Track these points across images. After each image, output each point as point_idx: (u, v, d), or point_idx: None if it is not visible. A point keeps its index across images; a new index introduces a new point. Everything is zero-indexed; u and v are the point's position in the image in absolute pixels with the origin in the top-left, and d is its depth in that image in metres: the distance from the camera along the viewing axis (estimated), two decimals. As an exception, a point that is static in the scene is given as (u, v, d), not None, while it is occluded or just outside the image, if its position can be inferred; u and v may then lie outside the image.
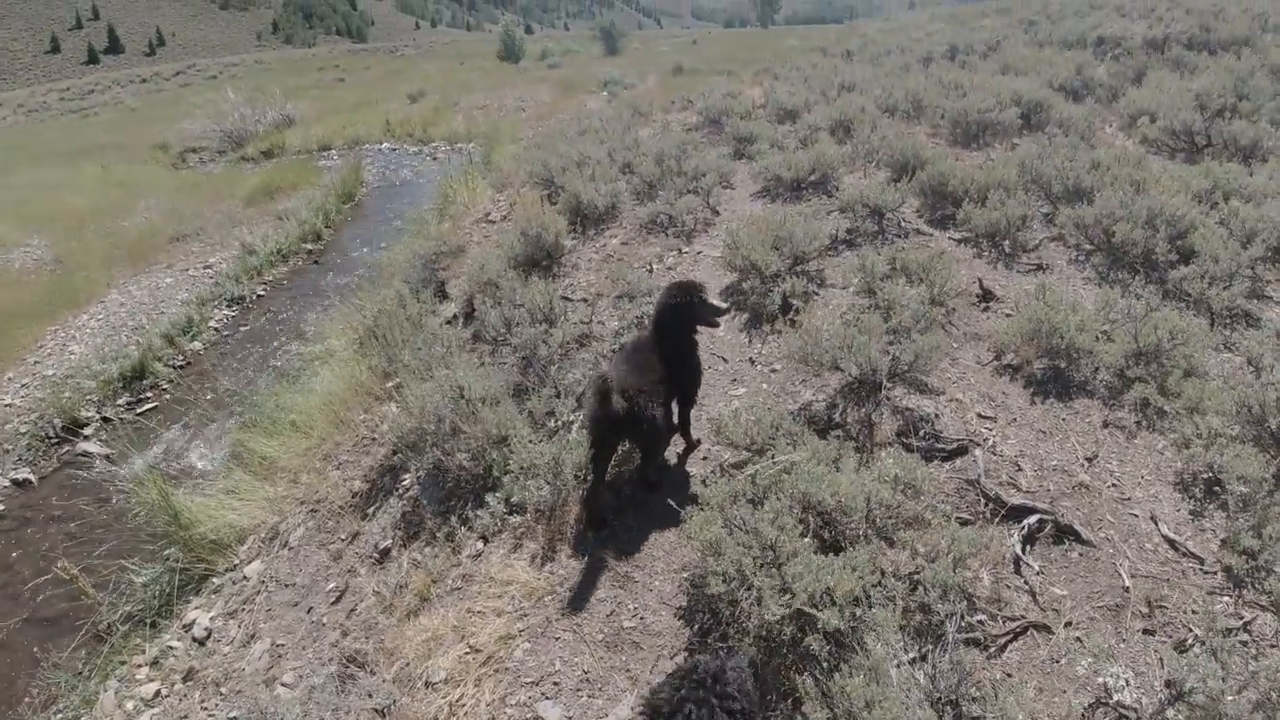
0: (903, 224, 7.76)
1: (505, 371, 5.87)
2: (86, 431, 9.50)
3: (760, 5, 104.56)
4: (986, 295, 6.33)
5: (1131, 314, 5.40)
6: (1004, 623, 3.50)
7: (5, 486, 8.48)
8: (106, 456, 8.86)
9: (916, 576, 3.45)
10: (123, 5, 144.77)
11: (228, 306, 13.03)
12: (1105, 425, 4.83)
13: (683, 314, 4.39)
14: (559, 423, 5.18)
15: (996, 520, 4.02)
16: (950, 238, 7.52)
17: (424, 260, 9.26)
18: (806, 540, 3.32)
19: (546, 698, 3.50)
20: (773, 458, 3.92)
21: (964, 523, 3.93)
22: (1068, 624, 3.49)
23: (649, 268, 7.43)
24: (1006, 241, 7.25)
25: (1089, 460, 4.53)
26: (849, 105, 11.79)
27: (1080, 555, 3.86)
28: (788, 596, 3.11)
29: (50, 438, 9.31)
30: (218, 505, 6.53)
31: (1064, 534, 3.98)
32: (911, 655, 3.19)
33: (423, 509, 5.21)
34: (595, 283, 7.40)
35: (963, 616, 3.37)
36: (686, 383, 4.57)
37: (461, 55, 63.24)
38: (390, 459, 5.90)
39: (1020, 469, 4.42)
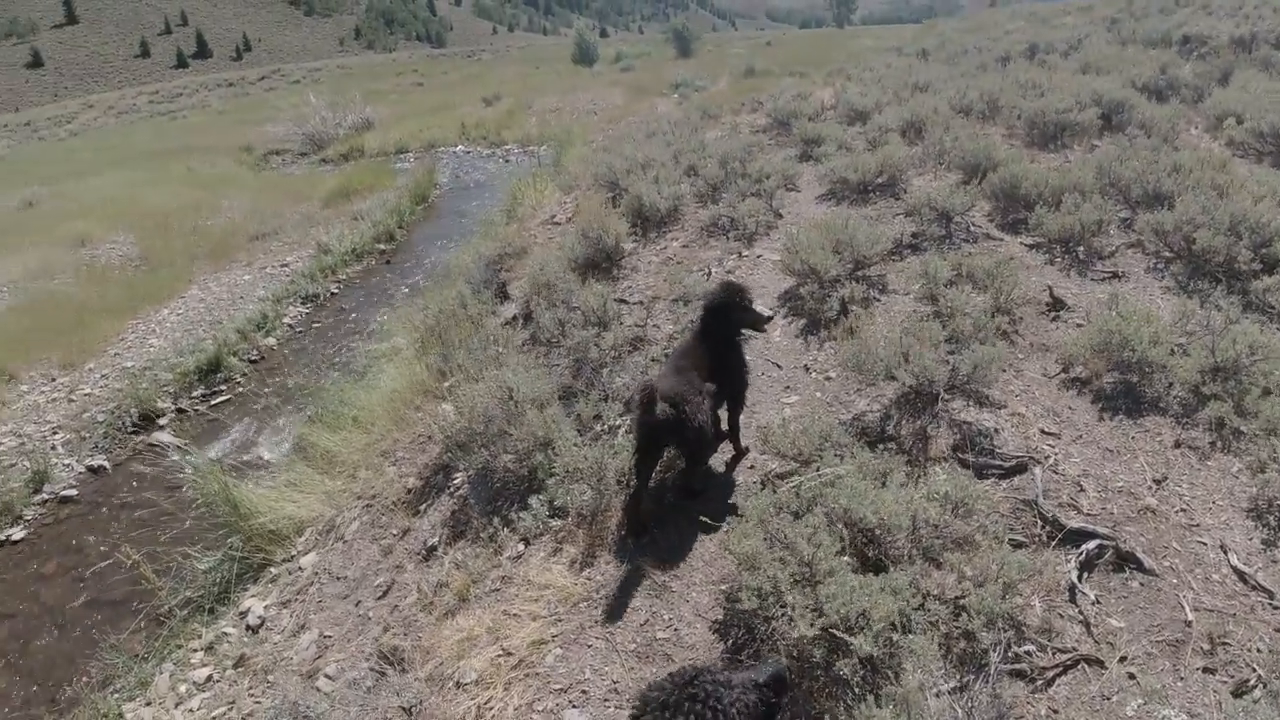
0: (972, 228, 7.53)
1: (556, 374, 5.88)
2: (161, 422, 9.86)
3: (836, 6, 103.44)
4: (1056, 304, 6.08)
5: (1210, 326, 5.12)
6: (1053, 654, 3.32)
7: (80, 472, 8.85)
8: (178, 446, 9.17)
9: (962, 601, 3.30)
10: (210, 11, 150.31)
11: (302, 304, 13.40)
12: (1177, 445, 4.57)
13: (724, 316, 4.33)
14: (605, 427, 5.16)
15: (1053, 544, 3.83)
16: (1021, 243, 7.26)
17: (487, 261, 9.36)
18: (845, 559, 3.21)
19: (574, 705, 3.47)
20: (818, 470, 3.81)
21: (1017, 545, 3.74)
22: (1122, 659, 3.30)
23: (706, 271, 7.35)
24: (1081, 248, 6.96)
25: (1157, 482, 4.28)
26: (921, 106, 11.53)
27: (1141, 585, 3.65)
28: (819, 617, 3.02)
29: (126, 427, 9.67)
30: (278, 497, 6.71)
31: (1125, 561, 3.76)
32: (951, 685, 3.06)
33: (470, 508, 5.25)
34: (653, 285, 7.37)
35: (1009, 646, 3.22)
36: (733, 387, 4.48)
37: (536, 59, 64.01)
38: (444, 457, 5.96)
39: (1082, 489, 4.21)
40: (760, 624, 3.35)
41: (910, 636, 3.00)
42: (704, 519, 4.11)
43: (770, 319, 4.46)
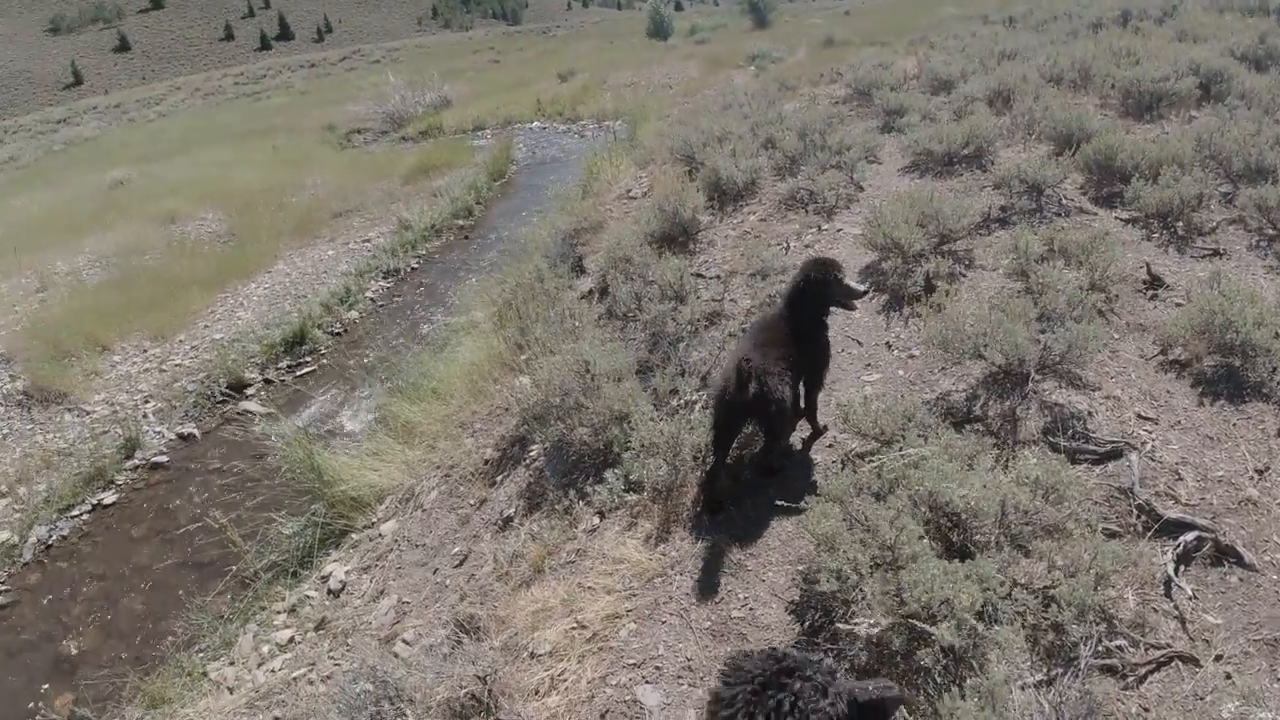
0: (1064, 201, 7.23)
1: (632, 348, 5.84)
2: (248, 392, 10.18)
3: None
4: (1154, 282, 5.79)
5: None
6: (1146, 650, 3.16)
7: (171, 439, 9.19)
8: (265, 415, 9.48)
9: (1051, 592, 3.17)
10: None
11: (383, 278, 13.65)
12: None
13: (817, 293, 4.19)
14: (681, 401, 5.11)
15: (1149, 535, 3.64)
16: (1116, 217, 6.93)
17: (563, 236, 9.38)
18: (928, 543, 3.11)
19: (647, 681, 3.46)
20: (900, 450, 3.70)
21: (1111, 535, 3.57)
22: (1218, 657, 3.13)
23: (785, 245, 7.22)
24: (1179, 223, 6.61)
25: (1259, 473, 4.03)
26: (1009, 74, 11.10)
27: (1240, 580, 3.46)
28: (899, 604, 2.93)
29: (214, 396, 10.01)
30: (360, 465, 6.87)
31: (1224, 555, 3.56)
32: (1037, 678, 2.94)
33: (546, 481, 5.28)
34: (729, 260, 7.27)
35: (1100, 640, 3.09)
36: (815, 365, 4.37)
37: (611, 34, 63.71)
38: (520, 430, 6.01)
39: (1180, 478, 4.00)
40: (838, 606, 3.28)
41: (996, 627, 2.89)
42: (780, 500, 4.04)
43: (865, 293, 4.32)
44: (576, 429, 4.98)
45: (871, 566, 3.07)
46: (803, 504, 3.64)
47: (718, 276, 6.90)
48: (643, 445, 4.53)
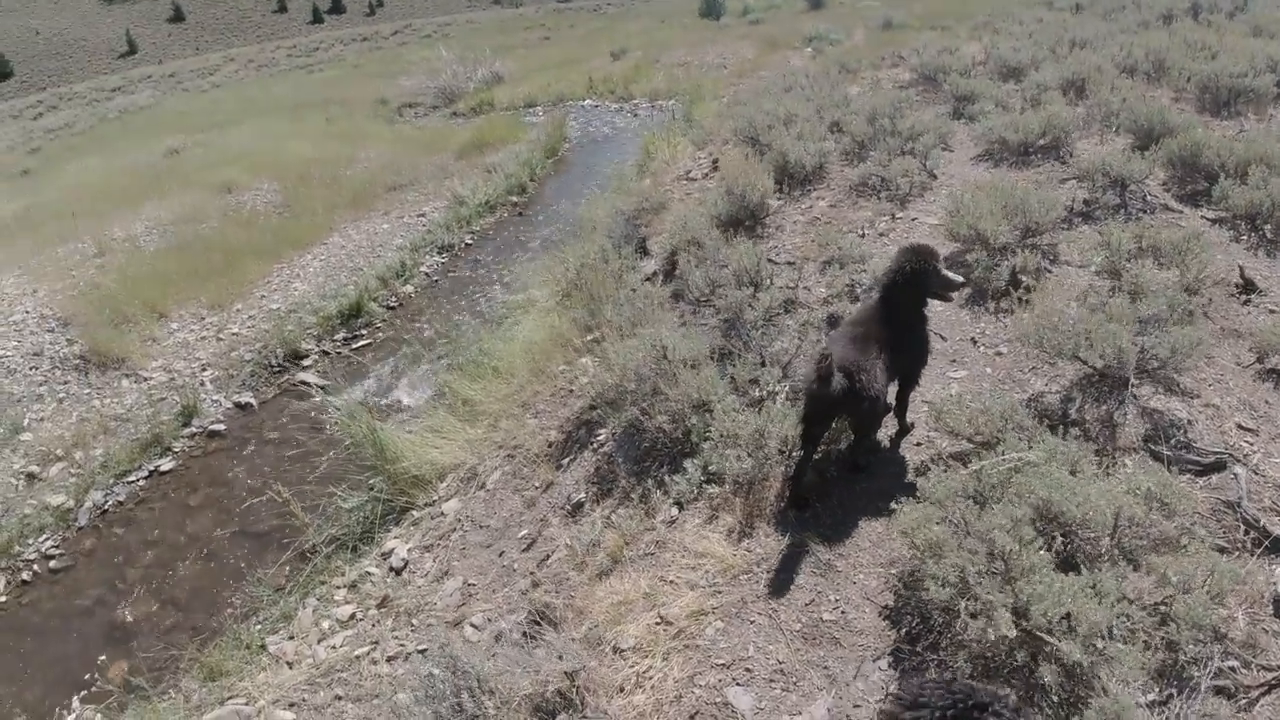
0: (1148, 198, 6.98)
1: (707, 334, 5.69)
2: (305, 363, 10.20)
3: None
4: (1247, 286, 5.56)
5: None
6: (1258, 671, 3.01)
7: (228, 408, 9.23)
8: (322, 387, 9.51)
9: (1164, 608, 3.04)
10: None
11: (438, 253, 13.63)
12: None
13: (915, 283, 4.01)
14: (763, 392, 4.95)
15: (1259, 552, 3.48)
16: (1203, 217, 6.69)
17: (626, 216, 9.27)
18: (1045, 555, 2.97)
19: (738, 683, 3.34)
20: (1002, 454, 3.55)
21: (1218, 550, 3.43)
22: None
23: (860, 232, 7.05)
24: (1268, 225, 6.36)
25: None
26: (1082, 63, 10.79)
27: (1346, 602, 3.28)
28: (1020, 618, 2.81)
29: (272, 366, 10.04)
30: (421, 442, 6.84)
31: (1331, 576, 3.41)
32: (1150, 698, 2.82)
33: (616, 466, 5.17)
34: (801, 246, 7.11)
35: (1214, 660, 2.96)
36: (912, 361, 4.21)
37: (662, 13, 62.96)
38: (587, 413, 5.91)
39: None
40: (937, 614, 3.17)
41: (1117, 644, 2.76)
42: (871, 498, 3.92)
43: (962, 284, 4.14)
44: (655, 416, 4.86)
45: (979, 576, 2.94)
46: (894, 505, 3.52)
47: (790, 263, 6.75)
48: (723, 435, 4.41)
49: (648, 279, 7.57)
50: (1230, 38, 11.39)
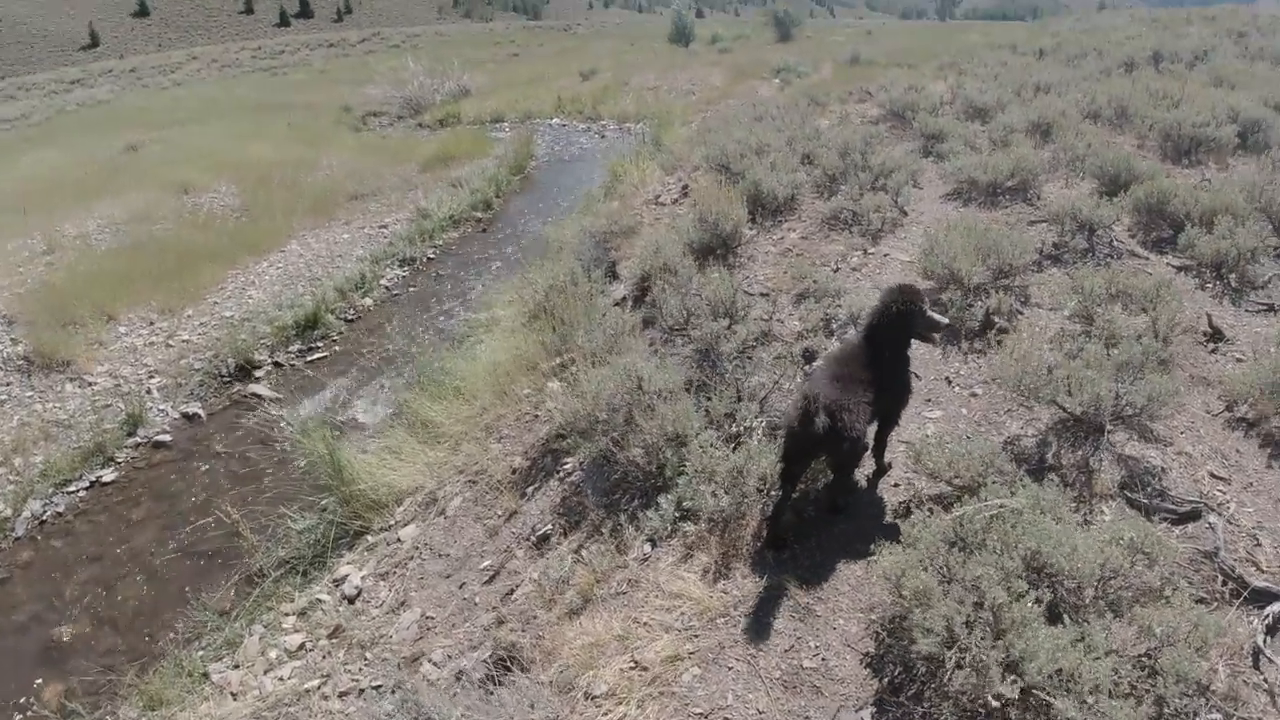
0: (1115, 243, 7.07)
1: (681, 364, 5.58)
2: (258, 374, 9.92)
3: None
4: (1215, 334, 5.64)
5: None
6: (1241, 726, 2.99)
7: (175, 419, 8.91)
8: (274, 400, 9.24)
9: (1148, 661, 3.00)
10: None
11: (399, 266, 13.42)
12: None
13: (902, 323, 3.96)
14: (740, 427, 4.85)
15: (1238, 603, 3.47)
16: (1169, 264, 6.79)
17: (595, 239, 9.18)
18: (1035, 607, 2.90)
19: (717, 734, 3.22)
20: (985, 500, 3.50)
21: (1199, 601, 3.41)
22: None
23: (834, 266, 7.03)
24: (1233, 275, 6.48)
25: None
26: (1047, 107, 10.99)
27: (1324, 655, 3.29)
28: (1013, 674, 2.73)
29: (223, 376, 9.76)
30: (378, 463, 6.62)
31: (1310, 628, 3.42)
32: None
33: (585, 497, 5.02)
34: (774, 277, 7.06)
35: (1199, 714, 2.91)
36: (893, 401, 4.14)
37: (633, 36, 63.66)
38: (553, 439, 5.76)
39: (1259, 543, 3.84)
40: (921, 664, 3.08)
41: (1110, 701, 2.69)
42: (850, 540, 3.84)
43: (948, 326, 4.10)
44: (629, 448, 4.73)
45: (966, 626, 2.86)
46: (874, 547, 3.44)
47: (764, 294, 6.70)
48: (699, 471, 4.30)
49: (617, 303, 7.47)
50: (1192, 87, 11.67)
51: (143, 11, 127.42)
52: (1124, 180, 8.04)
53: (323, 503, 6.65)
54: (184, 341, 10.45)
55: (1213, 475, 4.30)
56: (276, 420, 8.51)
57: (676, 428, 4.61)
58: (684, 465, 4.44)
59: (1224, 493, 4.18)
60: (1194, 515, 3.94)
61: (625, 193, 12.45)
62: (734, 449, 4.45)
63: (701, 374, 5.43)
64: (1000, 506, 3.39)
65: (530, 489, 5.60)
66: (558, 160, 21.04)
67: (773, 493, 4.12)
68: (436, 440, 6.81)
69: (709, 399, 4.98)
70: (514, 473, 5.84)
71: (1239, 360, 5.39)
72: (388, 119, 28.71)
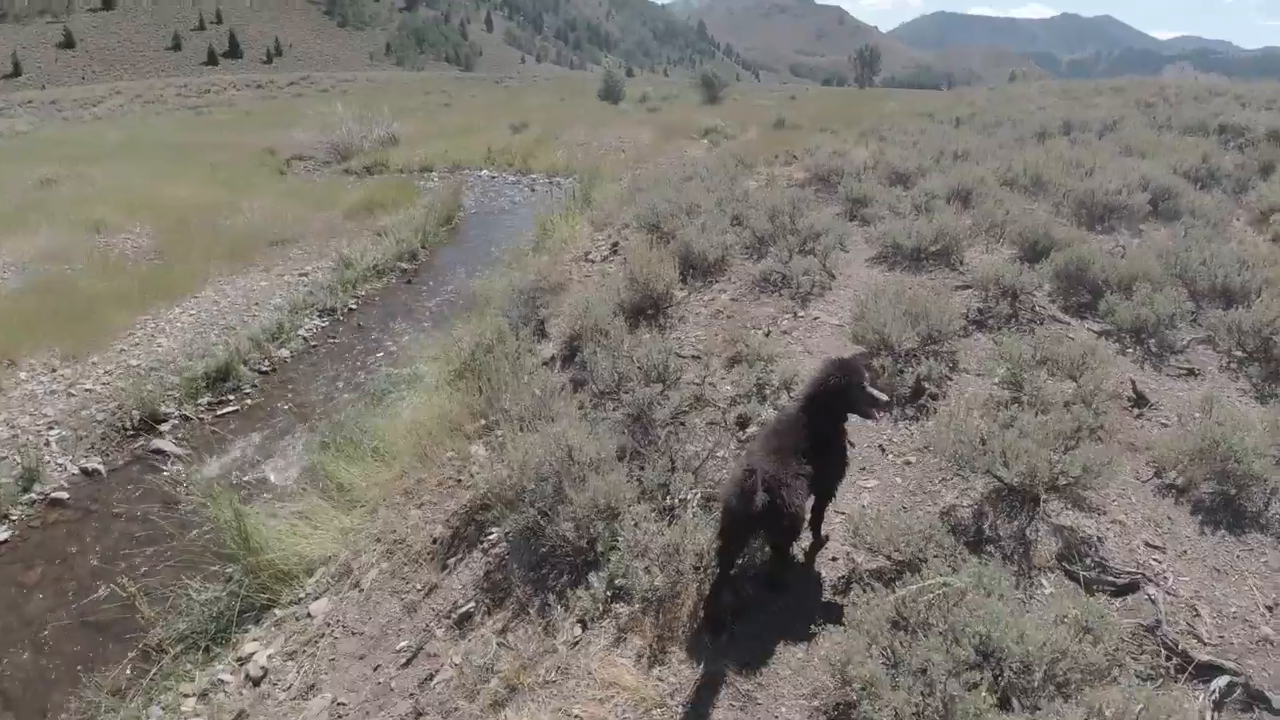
0: (1037, 309, 7.22)
1: (613, 430, 5.35)
2: (164, 428, 9.40)
3: (859, 67, 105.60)
4: (1139, 399, 5.75)
5: None
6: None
7: (74, 474, 8.37)
8: (180, 457, 8.74)
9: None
10: (245, 13, 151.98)
11: (319, 316, 13.01)
12: None
13: (841, 398, 3.88)
14: (675, 499, 4.67)
15: (1183, 678, 3.43)
16: (1089, 329, 6.95)
17: (523, 295, 9.00)
18: (988, 697, 2.79)
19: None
20: (928, 580, 3.39)
21: (1145, 679, 3.36)
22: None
23: (766, 330, 6.98)
24: (1152, 340, 6.68)
25: (1269, 609, 3.93)
26: (966, 174, 11.31)
27: (1269, 727, 3.26)
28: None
29: (126, 429, 9.23)
30: (289, 530, 6.23)
31: (1254, 700, 3.39)
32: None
33: (511, 572, 4.75)
34: (705, 339, 6.99)
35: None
36: (831, 475, 4.03)
37: (564, 91, 64.50)
38: (477, 508, 5.47)
39: (1198, 614, 3.84)
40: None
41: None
42: (789, 619, 3.68)
43: (886, 404, 4.04)
44: (558, 522, 4.48)
45: (917, 718, 2.73)
46: (815, 628, 3.30)
47: (696, 356, 6.60)
48: (632, 548, 4.10)
49: (546, 363, 7.28)
50: (1103, 156, 12.17)
51: (68, 43, 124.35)
52: (1043, 246, 8.27)
53: (229, 570, 6.22)
54: (87, 391, 9.87)
55: (1148, 544, 4.31)
56: (181, 479, 8.02)
57: (608, 500, 4.40)
58: (616, 540, 4.24)
59: (1160, 562, 4.19)
60: (1133, 587, 3.92)
61: (554, 248, 12.35)
62: (669, 523, 4.27)
63: (634, 441, 5.24)
64: (944, 585, 3.30)
65: (452, 560, 5.29)
66: (487, 212, 20.91)
67: (710, 571, 3.95)
68: (352, 505, 6.46)
69: (642, 468, 4.80)
70: (435, 542, 5.53)
71: (1164, 425, 5.48)
72: (314, 164, 28.22)
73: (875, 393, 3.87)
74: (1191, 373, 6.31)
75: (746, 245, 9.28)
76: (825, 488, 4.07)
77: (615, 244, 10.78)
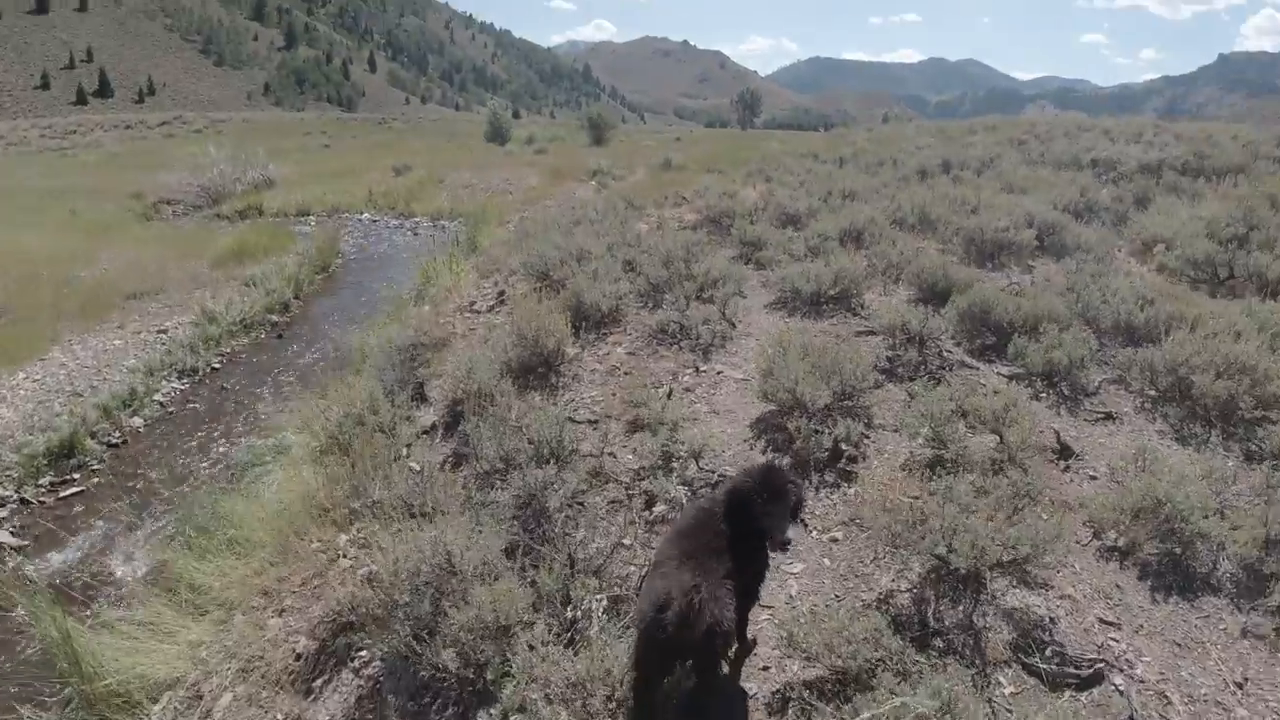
0: (944, 354, 6.96)
1: (500, 515, 4.65)
2: (1, 514, 8.20)
3: (741, 109, 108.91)
4: (1064, 451, 5.45)
5: (1256, 492, 4.61)
6: None
7: (-110, 571, 7.11)
8: (17, 550, 7.57)
9: None
10: (117, 50, 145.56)
11: (178, 378, 11.78)
12: (1244, 634, 3.99)
13: (747, 513, 3.31)
14: (578, 610, 3.96)
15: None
16: (999, 373, 6.71)
17: (400, 353, 8.18)
18: None
19: None
20: (875, 697, 2.84)
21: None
22: None
23: (668, 390, 6.40)
24: (1065, 383, 6.47)
25: (1239, 686, 3.67)
26: (856, 214, 11.24)
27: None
28: None
29: (-48, 516, 8.00)
30: (130, 646, 5.23)
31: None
32: None
33: (386, 704, 3.97)
34: (602, 400, 6.39)
35: None
36: (754, 575, 3.48)
37: (448, 132, 63.74)
38: (347, 614, 4.67)
39: (1169, 701, 3.48)
40: None
41: None
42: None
43: (788, 545, 3.41)
44: (439, 650, 3.71)
45: None
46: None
47: (593, 421, 5.97)
48: (530, 676, 3.42)
49: (426, 431, 6.52)
50: (986, 193, 12.30)
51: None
52: (942, 287, 8.12)
53: (63, 692, 5.19)
54: (-94, 479, 8.54)
55: (1102, 621, 3.98)
56: (17, 574, 6.87)
57: (497, 616, 3.69)
58: (509, 666, 3.52)
59: (1118, 641, 3.88)
60: (1097, 678, 3.57)
61: (437, 297, 11.58)
62: (571, 642, 3.59)
63: (525, 535, 4.54)
64: (900, 706, 2.76)
65: (319, 683, 4.44)
66: (366, 258, 19.91)
67: (627, 702, 3.28)
68: (204, 610, 5.52)
69: (536, 566, 4.11)
70: (298, 659, 4.66)
71: (1093, 478, 5.24)
72: (182, 208, 26.59)
73: (786, 529, 3.26)
74: (1109, 416, 6.13)
75: (641, 293, 8.78)
76: (748, 590, 3.48)
77: (502, 292, 10.12)
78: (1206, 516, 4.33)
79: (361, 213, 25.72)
